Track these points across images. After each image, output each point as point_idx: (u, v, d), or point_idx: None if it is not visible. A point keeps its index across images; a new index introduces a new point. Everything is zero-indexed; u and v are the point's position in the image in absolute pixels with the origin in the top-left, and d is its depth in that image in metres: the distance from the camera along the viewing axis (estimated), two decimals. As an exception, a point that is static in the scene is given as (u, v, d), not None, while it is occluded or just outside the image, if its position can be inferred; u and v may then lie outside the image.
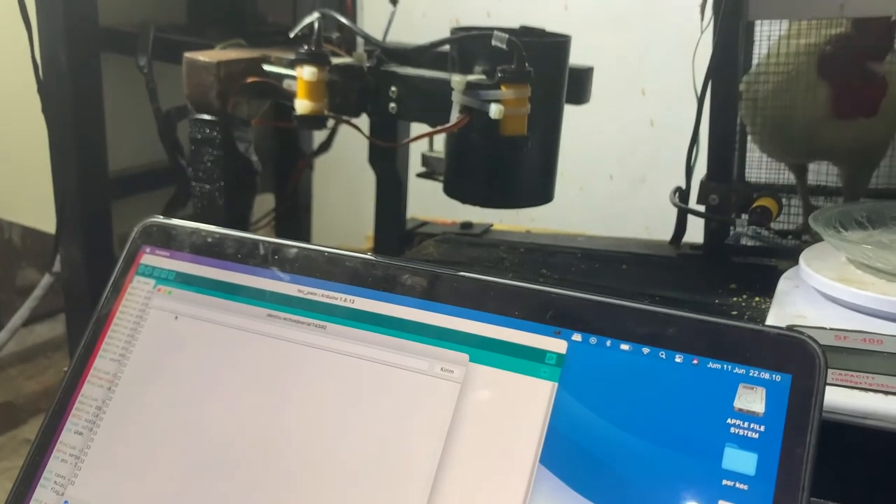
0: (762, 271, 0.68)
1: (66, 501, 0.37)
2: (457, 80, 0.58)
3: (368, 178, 0.89)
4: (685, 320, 0.30)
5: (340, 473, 0.33)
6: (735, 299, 0.63)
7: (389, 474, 0.32)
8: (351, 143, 0.97)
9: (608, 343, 0.31)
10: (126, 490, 0.36)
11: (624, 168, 1.32)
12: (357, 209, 1.39)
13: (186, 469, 0.36)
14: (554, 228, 1.13)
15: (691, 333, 0.30)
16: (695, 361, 0.30)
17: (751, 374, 0.29)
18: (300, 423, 0.35)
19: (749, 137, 0.77)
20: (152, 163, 0.87)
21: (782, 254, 0.72)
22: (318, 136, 1.03)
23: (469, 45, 0.62)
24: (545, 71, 0.61)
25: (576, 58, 0.69)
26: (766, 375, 0.29)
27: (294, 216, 1.05)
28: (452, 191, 0.69)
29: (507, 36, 0.56)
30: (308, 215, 1.09)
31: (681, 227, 0.77)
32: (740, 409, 0.29)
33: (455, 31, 0.64)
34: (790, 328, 0.30)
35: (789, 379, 0.29)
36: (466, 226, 0.87)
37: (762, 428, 0.28)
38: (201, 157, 0.66)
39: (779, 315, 0.52)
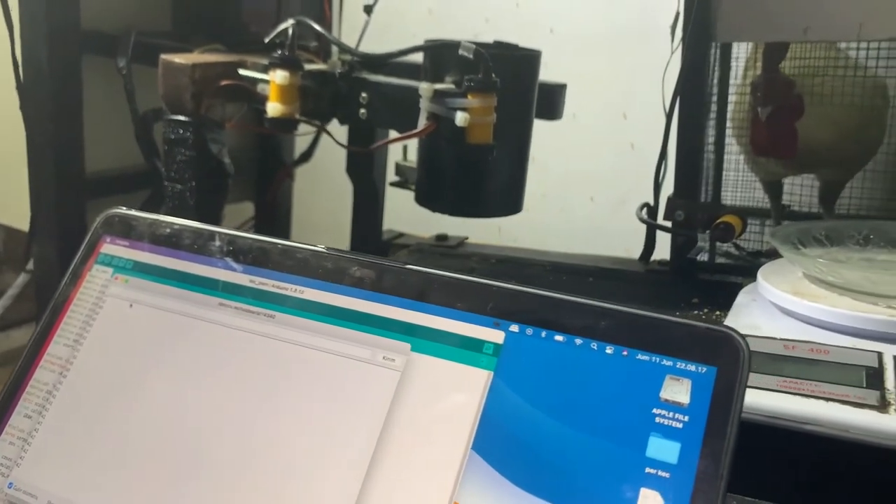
0: (725, 287, 0.69)
1: (10, 483, 0.38)
2: (424, 87, 0.59)
3: (350, 190, 0.89)
4: (617, 313, 0.31)
5: (279, 458, 0.33)
6: (696, 312, 0.64)
7: (327, 459, 0.33)
8: (333, 154, 0.98)
9: (543, 334, 0.32)
10: (71, 472, 0.37)
11: (605, 190, 1.33)
12: (338, 220, 1.40)
13: (129, 453, 0.36)
14: (533, 248, 1.14)
15: (622, 326, 0.31)
16: (624, 353, 0.31)
17: (678, 367, 0.30)
18: (245, 408, 0.35)
19: (737, 153, 0.77)
20: (130, 165, 0.87)
21: (747, 271, 0.73)
22: (300, 146, 1.04)
23: (440, 55, 0.63)
24: (514, 83, 0.63)
25: (560, 80, 0.69)
26: (692, 368, 0.30)
27: (273, 225, 1.05)
28: (422, 199, 0.70)
29: (473, 46, 0.57)
30: (287, 225, 1.10)
31: (650, 243, 0.78)
32: (666, 400, 0.29)
33: (427, 41, 0.65)
34: (718, 323, 0.30)
35: (714, 371, 0.29)
36: (441, 238, 0.88)
37: (686, 418, 0.29)
38: (174, 158, 0.66)
39: (734, 326, 0.53)
